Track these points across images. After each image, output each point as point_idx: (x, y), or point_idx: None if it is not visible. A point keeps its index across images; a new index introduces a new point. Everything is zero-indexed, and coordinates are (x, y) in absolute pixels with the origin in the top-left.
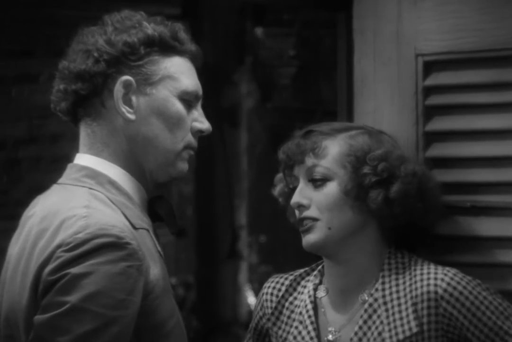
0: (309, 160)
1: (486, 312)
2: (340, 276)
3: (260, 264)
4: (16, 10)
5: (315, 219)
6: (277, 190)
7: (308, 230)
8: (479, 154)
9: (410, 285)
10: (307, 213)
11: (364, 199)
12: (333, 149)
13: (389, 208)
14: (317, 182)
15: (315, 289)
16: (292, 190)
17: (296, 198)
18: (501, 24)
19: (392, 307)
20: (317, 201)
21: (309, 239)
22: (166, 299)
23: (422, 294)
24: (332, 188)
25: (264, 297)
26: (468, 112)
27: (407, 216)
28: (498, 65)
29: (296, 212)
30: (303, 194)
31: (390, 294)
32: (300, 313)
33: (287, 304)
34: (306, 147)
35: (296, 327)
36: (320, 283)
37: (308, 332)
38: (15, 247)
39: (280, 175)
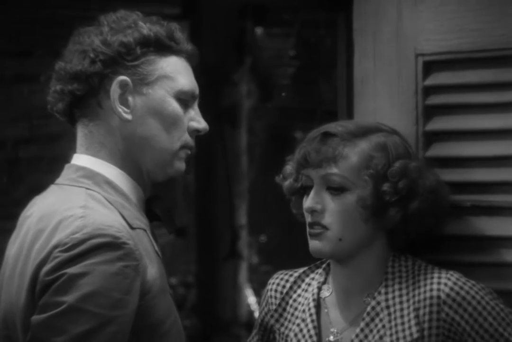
0: (328, 168)
1: (488, 318)
2: (345, 278)
3: (260, 264)
4: (16, 10)
5: (325, 227)
6: (286, 184)
7: (317, 236)
8: (479, 154)
9: (414, 289)
10: (319, 219)
11: (380, 214)
12: (353, 159)
13: (404, 224)
14: (335, 191)
15: (319, 288)
16: (301, 187)
17: (310, 203)
18: (500, 24)
19: (395, 311)
20: (331, 209)
21: (317, 246)
22: (163, 299)
23: (425, 299)
24: (349, 199)
25: (269, 293)
26: (468, 112)
27: (420, 231)
28: (498, 65)
29: (308, 216)
30: (317, 199)
31: (393, 298)
32: (303, 311)
33: (290, 301)
34: (327, 155)
35: (298, 325)
36: (325, 281)
37: (308, 331)
38: (12, 248)
39: (290, 169)
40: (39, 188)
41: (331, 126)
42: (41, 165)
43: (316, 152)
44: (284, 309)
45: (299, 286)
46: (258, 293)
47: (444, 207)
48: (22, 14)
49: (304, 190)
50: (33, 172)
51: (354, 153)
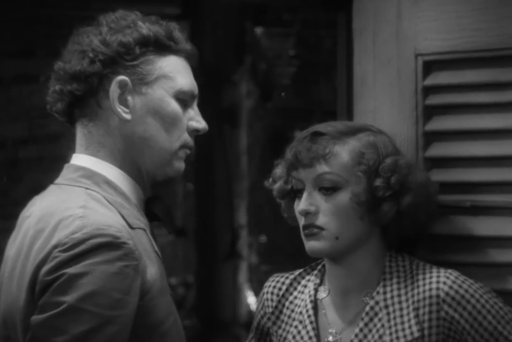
0: (319, 167)
1: (487, 317)
2: (342, 278)
3: (260, 264)
4: (16, 10)
5: (321, 228)
6: (276, 187)
7: (313, 235)
8: (479, 154)
9: (412, 289)
10: (314, 221)
11: (375, 210)
12: (344, 157)
13: (398, 219)
14: (327, 191)
15: (316, 289)
16: (291, 190)
17: (303, 205)
18: (501, 24)
19: (394, 311)
20: (326, 209)
21: (314, 245)
22: (163, 299)
23: (424, 298)
24: (342, 197)
25: (265, 296)
26: (468, 112)
27: (413, 226)
28: (498, 65)
29: (301, 218)
30: (310, 201)
31: (392, 297)
32: (300, 312)
33: (287, 303)
34: (318, 153)
35: (296, 327)
36: (321, 282)
37: (307, 332)
38: (12, 248)
39: (280, 172)
40: (39, 188)
41: (321, 126)
42: (41, 165)
43: (307, 150)
44: (281, 312)
45: (295, 288)
46: (258, 293)
47: (434, 202)
48: (22, 14)
49: (295, 193)
50: (33, 172)
51: (345, 150)
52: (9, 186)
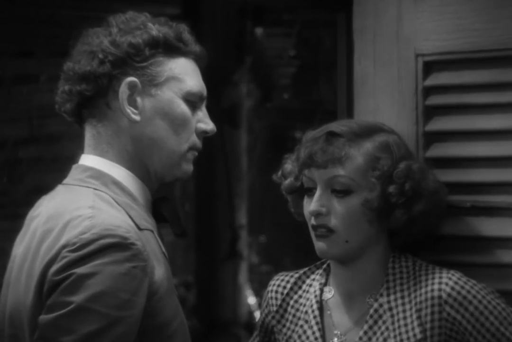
0: (334, 169)
1: (489, 317)
2: (347, 280)
3: (260, 264)
4: (16, 10)
5: (331, 230)
6: (286, 183)
7: (324, 237)
8: (479, 154)
9: (415, 290)
10: (324, 221)
11: (386, 216)
12: (359, 160)
13: (408, 225)
14: (339, 193)
15: (321, 290)
16: (301, 187)
17: (315, 206)
18: (500, 24)
19: (397, 313)
20: (337, 211)
21: (324, 247)
22: (170, 300)
23: (426, 299)
24: (354, 201)
25: (269, 294)
26: (468, 112)
27: (423, 231)
28: (498, 65)
29: (311, 218)
30: (321, 202)
31: (395, 299)
32: (306, 312)
33: (292, 302)
34: (334, 156)
35: (302, 326)
36: (326, 282)
37: (313, 332)
38: (20, 247)
39: (291, 168)
40: (39, 188)
41: (335, 126)
42: (41, 165)
43: (323, 152)
44: (285, 310)
45: (299, 287)
46: (258, 293)
47: (444, 207)
48: (22, 14)
49: (305, 191)
50: (33, 172)
51: (360, 154)
52: (9, 186)
